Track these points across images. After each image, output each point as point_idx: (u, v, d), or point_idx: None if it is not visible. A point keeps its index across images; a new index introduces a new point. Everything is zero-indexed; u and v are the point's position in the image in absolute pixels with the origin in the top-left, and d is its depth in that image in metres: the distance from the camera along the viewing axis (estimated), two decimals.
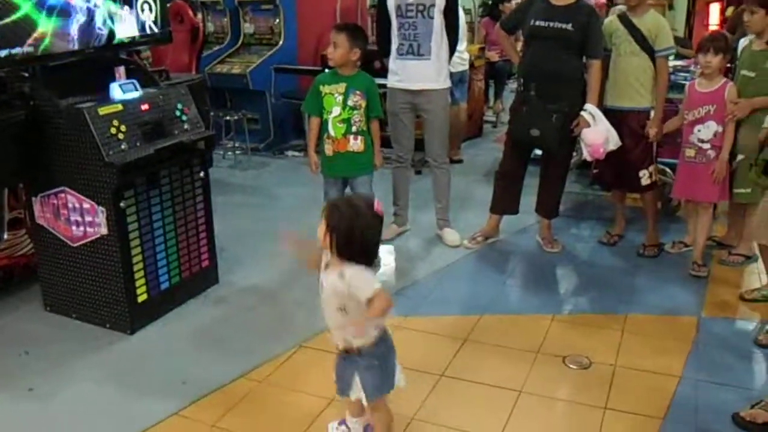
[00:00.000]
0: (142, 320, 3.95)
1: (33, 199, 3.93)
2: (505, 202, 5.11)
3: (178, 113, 4.01)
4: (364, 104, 4.44)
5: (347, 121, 4.43)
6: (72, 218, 3.82)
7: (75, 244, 3.87)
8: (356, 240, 2.39)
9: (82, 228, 3.81)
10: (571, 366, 3.58)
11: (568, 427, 3.15)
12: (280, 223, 5.58)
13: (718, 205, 5.01)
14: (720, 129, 4.42)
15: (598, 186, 5.84)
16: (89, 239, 3.80)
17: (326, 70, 4.84)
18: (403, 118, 5.03)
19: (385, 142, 4.77)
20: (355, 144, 4.48)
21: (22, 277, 4.34)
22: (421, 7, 4.78)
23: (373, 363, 2.60)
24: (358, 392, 2.65)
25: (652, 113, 4.72)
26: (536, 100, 4.60)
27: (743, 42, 4.54)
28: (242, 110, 7.54)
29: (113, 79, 3.86)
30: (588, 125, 4.57)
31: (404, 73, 4.93)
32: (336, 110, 4.41)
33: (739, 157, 4.41)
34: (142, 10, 3.97)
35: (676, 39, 5.03)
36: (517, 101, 4.83)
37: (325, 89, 4.42)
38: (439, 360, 3.60)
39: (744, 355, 3.70)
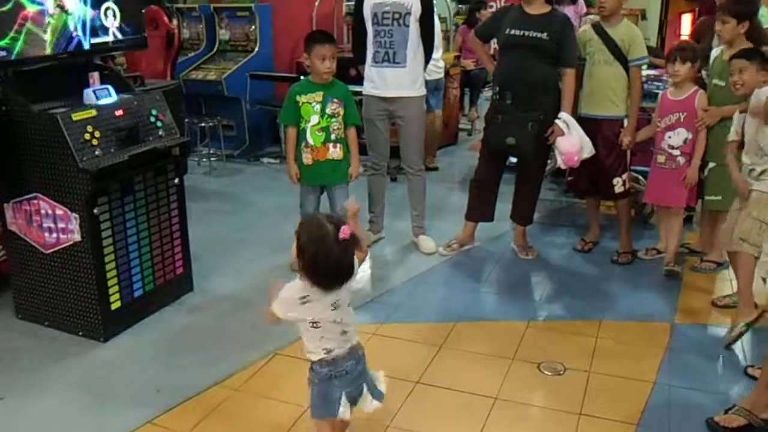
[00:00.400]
0: (116, 328, 3.91)
1: (5, 205, 3.89)
2: (480, 210, 5.13)
3: (152, 119, 3.99)
4: (342, 112, 4.45)
5: (326, 130, 4.43)
6: (45, 225, 3.78)
7: (48, 251, 3.83)
8: (320, 267, 2.39)
9: (55, 235, 3.77)
10: (545, 372, 3.59)
11: None
12: (255, 230, 5.56)
13: (694, 214, 5.08)
14: (690, 136, 4.50)
15: (573, 193, 5.89)
16: (62, 246, 3.77)
17: (302, 78, 4.83)
18: (379, 125, 5.04)
19: (361, 150, 4.77)
20: (335, 152, 4.49)
21: None
22: (396, 15, 4.79)
23: (313, 381, 2.62)
24: None
25: (626, 122, 4.77)
26: (512, 109, 4.63)
27: (715, 51, 4.60)
28: (217, 117, 7.50)
29: (87, 85, 3.83)
30: (562, 133, 4.60)
31: (380, 81, 4.94)
32: (314, 119, 4.41)
33: (710, 164, 4.46)
34: (106, 16, 3.92)
35: (649, 48, 5.09)
36: (493, 109, 4.85)
37: (302, 98, 4.42)
38: (415, 367, 3.60)
39: (716, 361, 3.74)
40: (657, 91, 5.23)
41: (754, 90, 3.68)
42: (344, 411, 2.58)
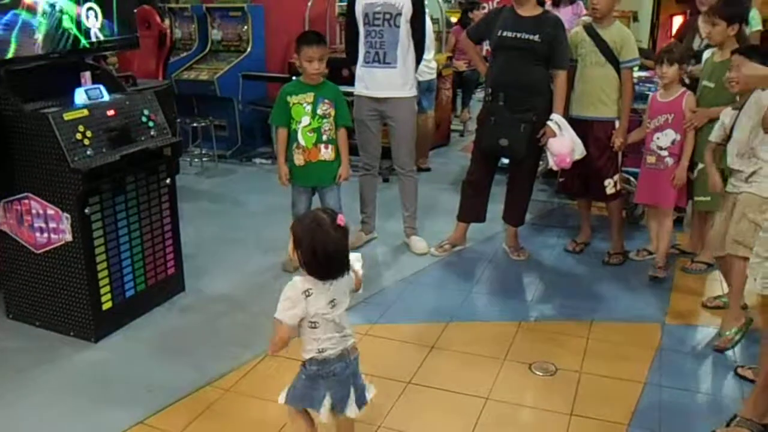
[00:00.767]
0: (107, 328, 3.90)
1: None
2: (472, 211, 5.14)
3: (144, 119, 3.99)
4: (333, 113, 4.44)
5: (317, 131, 4.42)
6: (36, 225, 3.77)
7: (39, 251, 3.82)
8: (318, 254, 2.44)
9: (46, 235, 3.76)
10: (537, 372, 3.60)
11: None
12: (247, 230, 5.56)
13: (684, 216, 5.09)
14: (678, 137, 4.52)
15: (564, 194, 5.90)
16: (53, 246, 3.76)
17: (293, 78, 4.83)
18: (370, 126, 5.05)
19: (352, 150, 4.78)
20: (326, 153, 4.48)
21: None
22: (387, 16, 4.80)
23: (300, 375, 2.64)
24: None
25: (617, 123, 4.79)
26: (505, 110, 4.65)
27: (707, 53, 4.62)
28: (209, 117, 7.51)
29: (79, 84, 3.82)
30: (554, 135, 4.62)
31: (370, 81, 4.94)
32: (305, 120, 4.40)
33: (700, 165, 4.48)
34: (87, 17, 3.91)
35: (641, 50, 5.11)
36: (485, 111, 4.86)
37: (292, 99, 4.41)
38: (406, 367, 3.61)
39: (706, 361, 3.76)
40: (648, 92, 5.24)
41: (749, 87, 3.67)
42: (324, 413, 2.59)
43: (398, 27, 4.81)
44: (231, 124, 7.83)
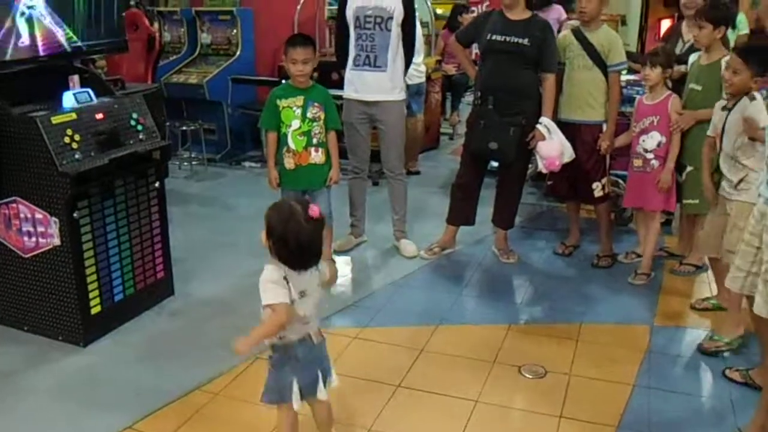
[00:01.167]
0: (96, 332, 3.89)
1: None
2: (461, 214, 5.15)
3: (133, 123, 3.97)
4: (323, 116, 4.43)
5: (307, 134, 4.41)
6: (24, 229, 3.75)
7: (27, 255, 3.80)
8: (290, 243, 2.45)
9: (34, 239, 3.74)
10: (526, 375, 3.61)
11: None
12: (236, 234, 5.54)
13: (672, 218, 5.11)
14: (663, 139, 4.54)
15: (553, 197, 5.92)
16: (41, 250, 3.74)
17: (283, 82, 4.82)
18: (360, 129, 5.05)
19: (342, 153, 4.77)
20: (317, 156, 4.47)
21: None
22: (379, 20, 4.80)
23: (269, 368, 2.67)
24: None
25: (605, 127, 4.80)
26: (494, 114, 4.66)
27: (693, 57, 4.64)
28: (199, 120, 7.49)
29: (67, 88, 3.81)
30: (543, 138, 4.64)
31: (360, 84, 4.94)
32: (295, 123, 4.39)
33: (688, 168, 4.50)
34: (74, 21, 3.89)
35: (629, 54, 5.13)
36: (475, 114, 4.87)
37: (282, 103, 4.39)
38: (396, 370, 3.61)
39: (694, 363, 3.77)
40: (636, 96, 5.26)
41: (741, 91, 3.69)
42: (295, 399, 2.61)
43: (389, 30, 4.82)
44: (220, 128, 7.81)
